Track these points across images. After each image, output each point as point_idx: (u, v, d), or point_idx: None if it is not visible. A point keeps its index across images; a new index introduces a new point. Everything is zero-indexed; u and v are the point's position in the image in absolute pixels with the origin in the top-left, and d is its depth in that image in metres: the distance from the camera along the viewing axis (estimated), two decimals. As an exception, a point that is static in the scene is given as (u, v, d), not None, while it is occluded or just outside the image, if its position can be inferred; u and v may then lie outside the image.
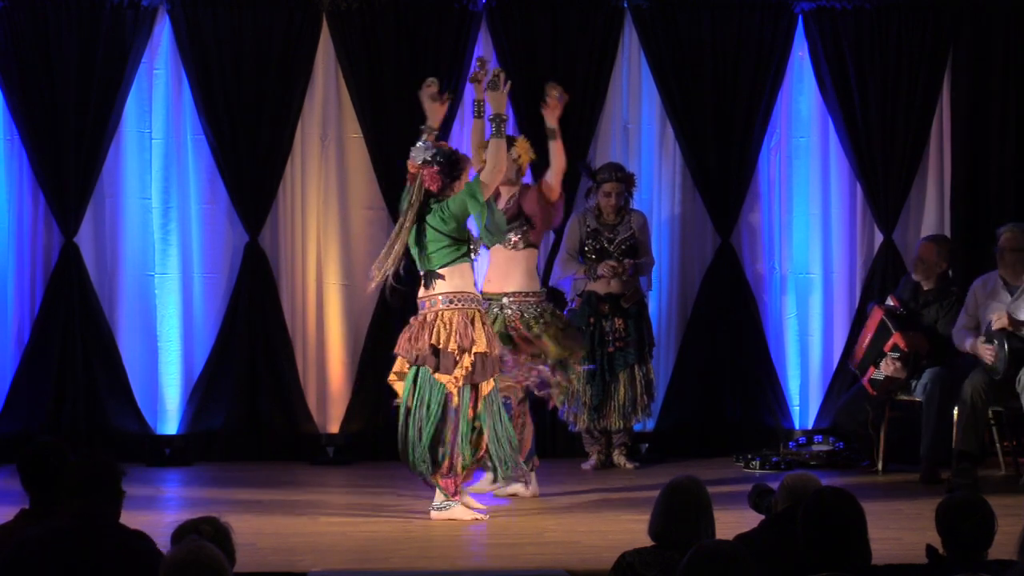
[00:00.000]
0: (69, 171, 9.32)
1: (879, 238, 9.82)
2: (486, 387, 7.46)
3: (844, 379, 9.65)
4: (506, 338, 7.95)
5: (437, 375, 7.40)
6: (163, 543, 4.36)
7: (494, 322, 7.93)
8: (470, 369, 7.37)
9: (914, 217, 9.87)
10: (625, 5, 9.63)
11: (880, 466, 9.04)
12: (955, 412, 8.47)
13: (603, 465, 9.20)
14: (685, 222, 9.77)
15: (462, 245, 7.48)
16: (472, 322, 7.42)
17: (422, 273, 7.52)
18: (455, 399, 7.41)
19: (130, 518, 6.90)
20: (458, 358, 7.36)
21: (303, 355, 9.56)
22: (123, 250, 9.48)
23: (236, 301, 9.49)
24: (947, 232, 9.76)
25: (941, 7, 9.77)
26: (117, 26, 9.32)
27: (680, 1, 9.64)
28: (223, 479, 8.88)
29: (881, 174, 9.75)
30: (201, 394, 9.46)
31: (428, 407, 7.40)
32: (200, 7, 9.36)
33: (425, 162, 7.47)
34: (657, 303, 9.66)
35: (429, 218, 7.44)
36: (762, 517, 5.26)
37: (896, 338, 8.84)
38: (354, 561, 6.54)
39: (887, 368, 8.84)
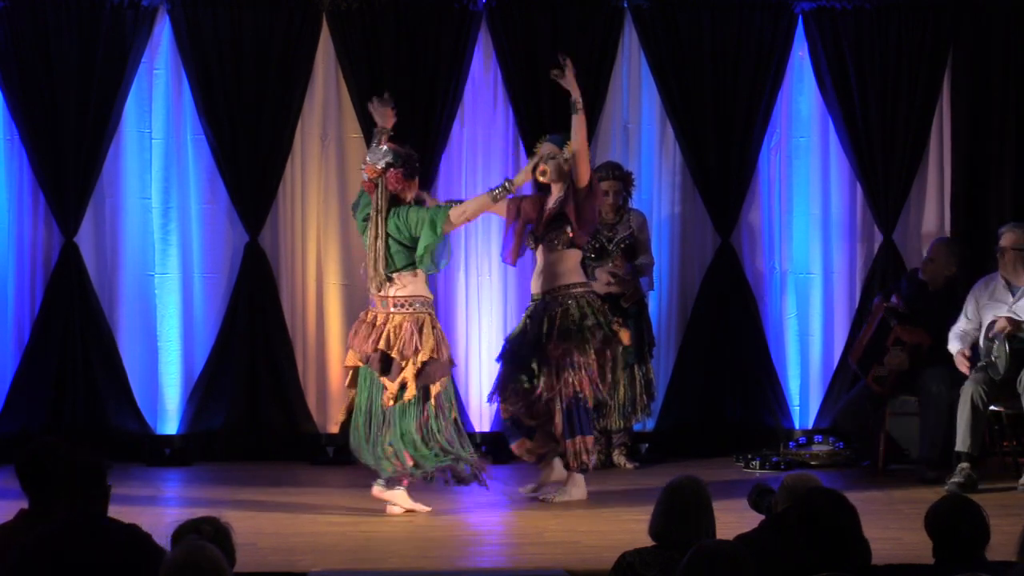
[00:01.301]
0: (69, 171, 9.32)
1: (879, 238, 9.81)
2: (434, 389, 7.61)
3: (844, 379, 9.64)
4: (547, 336, 7.94)
5: (383, 380, 7.56)
6: (163, 543, 4.36)
7: (543, 320, 7.94)
8: (413, 378, 7.51)
9: (914, 217, 9.87)
10: (625, 5, 9.63)
11: (880, 465, 9.04)
12: (956, 412, 8.47)
13: (603, 465, 9.19)
14: (685, 222, 9.77)
15: (420, 262, 7.60)
16: (420, 328, 7.51)
17: (372, 273, 7.64)
18: (389, 404, 7.56)
19: (130, 518, 6.89)
20: (403, 365, 7.48)
21: (303, 355, 9.56)
22: (123, 250, 9.48)
23: (236, 301, 9.48)
24: (947, 232, 9.76)
25: (941, 7, 9.76)
26: (117, 26, 9.32)
27: (680, 1, 9.63)
28: (223, 479, 8.88)
29: (881, 174, 9.75)
30: (201, 394, 9.46)
31: (377, 405, 7.60)
32: (200, 7, 9.36)
33: (389, 164, 7.57)
34: (657, 303, 9.66)
35: (388, 222, 7.55)
36: (762, 517, 5.26)
37: (897, 331, 8.86)
38: (354, 561, 6.54)
39: (891, 361, 8.84)
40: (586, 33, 9.56)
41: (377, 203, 7.62)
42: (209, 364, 9.47)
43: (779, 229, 9.83)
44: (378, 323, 7.62)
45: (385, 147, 7.69)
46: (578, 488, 8.07)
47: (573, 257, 8.05)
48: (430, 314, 7.65)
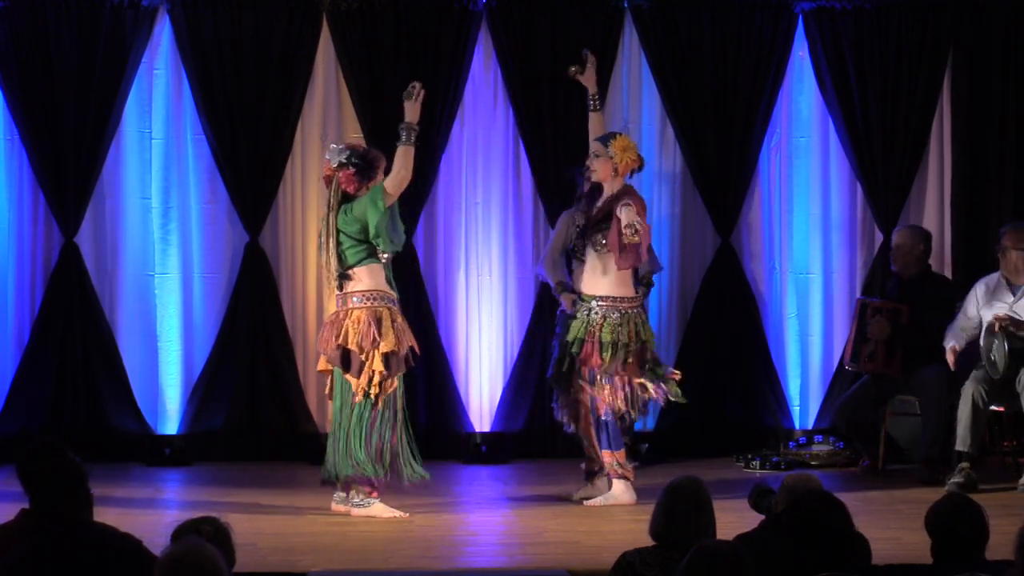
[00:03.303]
0: (69, 171, 9.32)
1: (879, 238, 9.81)
2: (388, 386, 7.54)
3: (844, 379, 9.63)
4: (579, 343, 7.88)
5: (347, 376, 7.54)
6: (163, 543, 4.35)
7: (582, 326, 7.89)
8: (383, 372, 7.47)
9: (914, 217, 9.85)
10: (625, 5, 9.62)
11: (880, 465, 9.04)
12: (955, 412, 8.48)
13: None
14: (685, 222, 9.76)
15: (368, 246, 7.58)
16: (379, 320, 7.50)
17: (326, 272, 7.69)
18: (361, 400, 7.53)
19: (130, 518, 6.92)
20: (363, 359, 7.45)
21: (303, 355, 9.54)
22: (123, 250, 9.47)
23: (236, 301, 9.48)
24: (947, 232, 9.77)
25: (941, 7, 9.76)
26: (117, 26, 9.31)
27: (680, 1, 9.63)
28: (223, 479, 8.87)
29: (881, 174, 9.75)
30: (201, 394, 9.45)
31: (344, 408, 7.58)
32: (200, 7, 9.35)
33: (340, 164, 7.59)
34: (657, 303, 9.65)
35: (339, 218, 7.57)
36: (762, 517, 5.26)
37: (873, 304, 8.90)
38: (354, 561, 6.54)
39: (873, 331, 8.86)
40: (586, 33, 9.54)
41: (329, 200, 7.66)
42: (209, 364, 9.46)
43: (779, 229, 9.83)
44: (339, 320, 7.63)
45: (342, 146, 7.76)
46: (624, 493, 7.93)
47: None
48: (389, 308, 7.59)
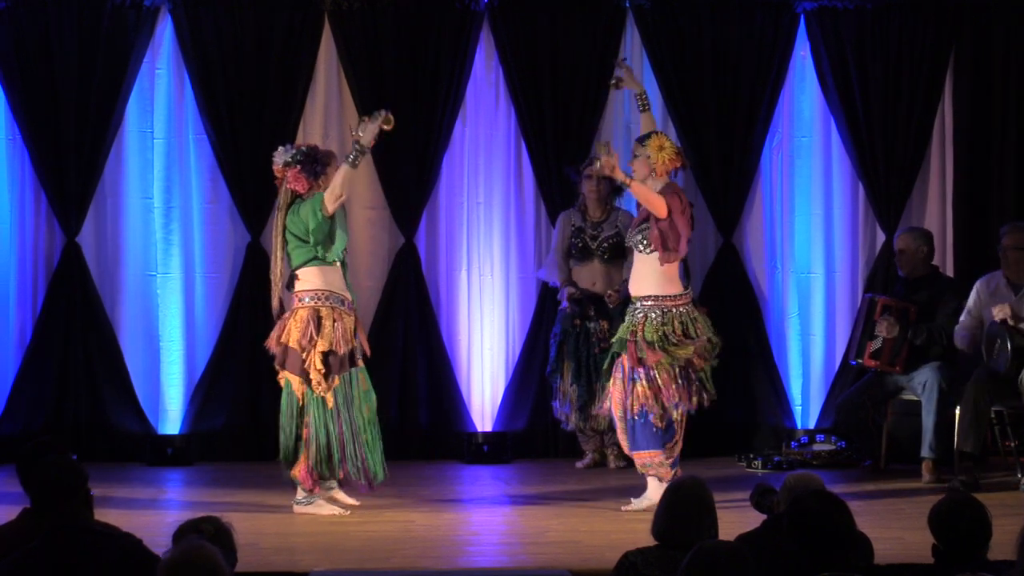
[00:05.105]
0: (71, 171, 9.32)
1: (881, 237, 9.81)
2: (330, 384, 7.57)
3: (846, 379, 9.64)
4: (622, 343, 7.82)
5: (284, 372, 7.62)
6: (164, 543, 4.36)
7: (627, 327, 7.82)
8: (321, 370, 7.50)
9: (916, 217, 9.85)
10: (627, 5, 9.62)
11: (882, 465, 9.04)
12: (957, 411, 8.47)
13: (597, 464, 9.19)
14: (687, 222, 9.75)
15: (313, 248, 7.60)
16: (319, 320, 7.55)
17: (274, 269, 7.75)
18: (300, 399, 7.60)
19: (132, 518, 6.92)
20: (303, 357, 7.50)
21: (304, 355, 9.54)
22: (125, 250, 9.48)
23: (238, 301, 9.48)
24: (948, 231, 9.78)
25: (943, 6, 9.76)
26: (119, 26, 9.32)
27: (682, 1, 9.63)
28: (225, 479, 8.87)
29: (883, 173, 9.75)
30: (203, 394, 9.45)
31: (289, 407, 7.68)
32: (202, 7, 9.36)
33: (287, 164, 7.65)
34: (659, 303, 9.64)
35: (288, 218, 7.63)
36: (764, 517, 5.26)
37: (882, 301, 8.89)
38: (354, 561, 6.54)
39: (881, 329, 8.85)
40: (588, 33, 9.55)
41: (278, 200, 7.72)
42: (211, 364, 9.47)
43: (781, 229, 9.83)
44: (285, 318, 7.69)
45: (288, 146, 7.81)
46: (657, 491, 7.67)
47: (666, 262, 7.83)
48: (333, 308, 7.61)
